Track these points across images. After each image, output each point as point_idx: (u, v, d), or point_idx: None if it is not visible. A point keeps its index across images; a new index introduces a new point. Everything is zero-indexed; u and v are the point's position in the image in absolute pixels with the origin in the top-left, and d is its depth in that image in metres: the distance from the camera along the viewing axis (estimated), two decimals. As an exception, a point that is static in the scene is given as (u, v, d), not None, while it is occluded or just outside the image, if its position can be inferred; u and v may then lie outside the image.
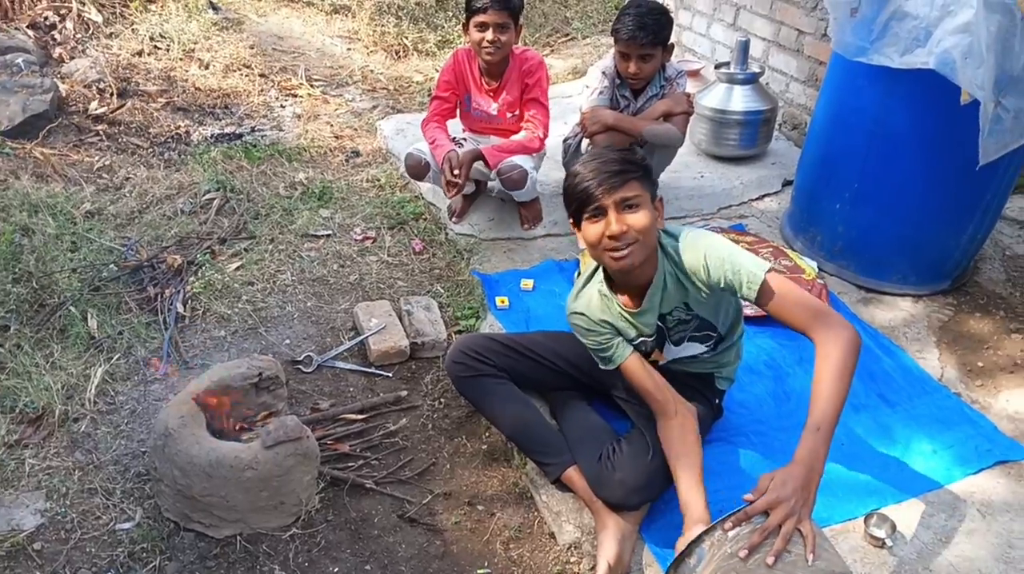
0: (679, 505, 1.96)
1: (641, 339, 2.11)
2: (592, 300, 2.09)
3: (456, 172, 2.92)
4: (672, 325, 2.10)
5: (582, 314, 2.09)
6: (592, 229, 1.90)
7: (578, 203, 1.91)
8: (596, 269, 2.10)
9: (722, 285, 1.92)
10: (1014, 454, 2.34)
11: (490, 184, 3.45)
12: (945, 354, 2.75)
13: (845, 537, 2.09)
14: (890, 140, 2.79)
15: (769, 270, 1.86)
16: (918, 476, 2.28)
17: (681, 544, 1.84)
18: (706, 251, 1.92)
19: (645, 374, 2.08)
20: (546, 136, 3.21)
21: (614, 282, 2.06)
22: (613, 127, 3.03)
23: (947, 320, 2.91)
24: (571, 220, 1.99)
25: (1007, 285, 3.08)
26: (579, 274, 3.03)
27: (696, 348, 2.16)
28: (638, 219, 1.87)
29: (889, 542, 2.04)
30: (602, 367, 2.14)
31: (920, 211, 2.85)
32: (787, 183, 3.71)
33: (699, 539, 1.72)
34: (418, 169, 3.12)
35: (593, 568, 2.01)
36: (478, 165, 3.07)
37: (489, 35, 2.98)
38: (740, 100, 3.72)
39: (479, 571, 2.08)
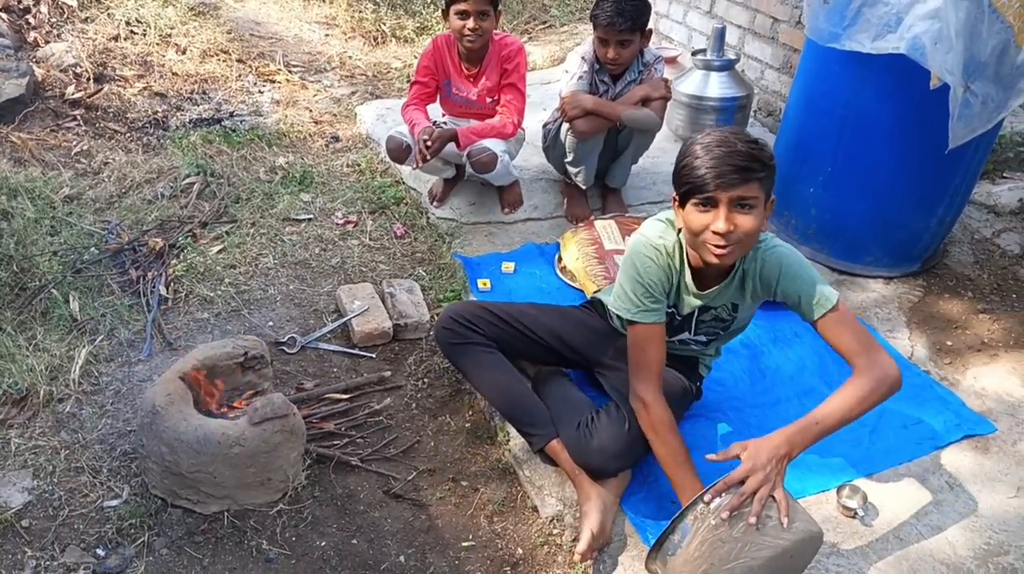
0: (676, 489, 1.98)
1: (671, 310, 2.09)
2: (672, 247, 1.99)
3: (428, 142, 2.93)
4: (708, 319, 2.12)
5: (658, 250, 1.99)
6: (698, 218, 1.82)
7: (689, 187, 1.80)
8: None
9: (784, 297, 1.95)
10: (981, 429, 2.43)
11: (468, 169, 3.48)
12: (915, 334, 2.83)
13: (818, 508, 2.16)
14: (862, 125, 2.86)
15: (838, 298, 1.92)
16: (889, 450, 2.35)
17: None
18: (785, 261, 1.94)
19: (658, 347, 2.02)
20: (520, 122, 3.24)
21: (690, 257, 2.00)
22: (592, 111, 3.07)
23: (917, 301, 2.99)
24: (675, 197, 1.90)
25: (975, 267, 3.17)
26: (561, 253, 3.08)
27: (700, 340, 2.21)
28: (748, 221, 1.79)
29: (861, 512, 2.11)
30: (618, 310, 2.05)
31: (891, 194, 2.92)
32: (762, 168, 3.76)
33: (681, 515, 1.77)
34: (399, 152, 3.14)
35: (575, 539, 2.05)
36: (452, 147, 3.10)
37: (470, 23, 3.01)
38: (716, 87, 3.78)
39: (464, 544, 2.12)
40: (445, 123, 3.34)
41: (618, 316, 2.24)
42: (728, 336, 2.25)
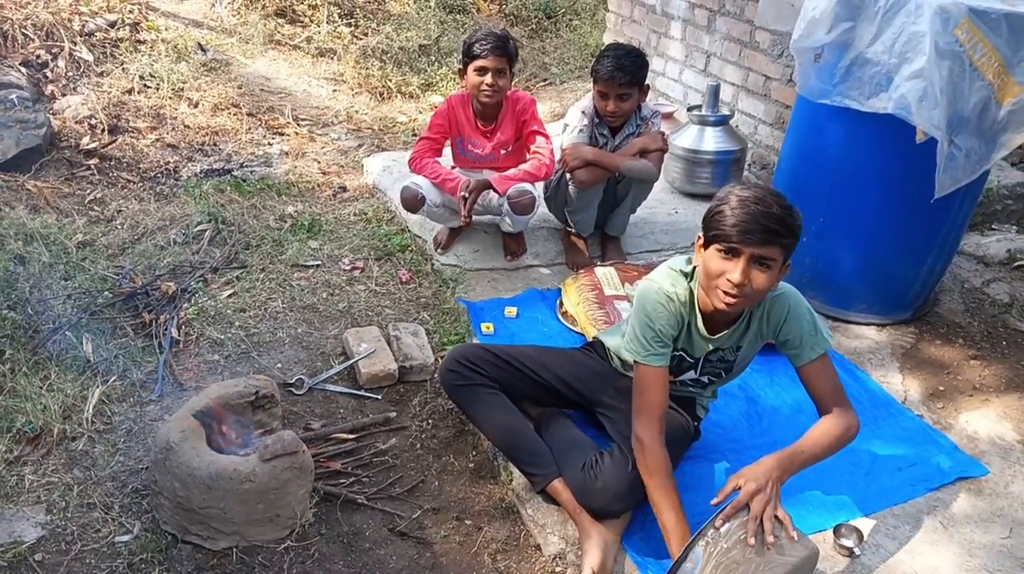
0: (664, 533, 2.02)
1: (680, 353, 2.18)
2: (683, 295, 2.08)
3: (466, 196, 3.08)
4: (714, 360, 2.21)
5: (670, 297, 2.08)
6: (717, 263, 1.91)
7: (717, 235, 1.89)
8: (694, 271, 2.08)
9: (784, 337, 2.08)
10: (973, 471, 2.48)
11: (475, 217, 3.58)
12: (908, 379, 2.90)
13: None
14: (852, 177, 2.96)
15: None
16: (884, 491, 2.40)
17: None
18: (792, 302, 2.07)
19: (662, 390, 2.09)
20: (553, 164, 3.31)
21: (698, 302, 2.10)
22: (593, 162, 3.19)
23: (909, 347, 3.07)
24: (700, 236, 1.98)
25: (966, 315, 3.25)
26: (562, 298, 3.16)
27: (702, 380, 2.28)
28: (762, 279, 1.89)
29: (857, 551, 2.15)
30: (629, 351, 2.12)
31: (881, 244, 3.02)
32: (757, 219, 3.87)
33: (692, 543, 1.84)
34: (413, 202, 3.25)
35: (578, 577, 2.10)
36: (489, 195, 3.21)
37: (488, 79, 3.14)
38: (711, 141, 3.92)
39: (468, 581, 2.16)
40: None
41: (619, 358, 2.32)
42: (729, 378, 2.32)
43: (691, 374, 2.26)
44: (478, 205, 3.27)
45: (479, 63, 3.14)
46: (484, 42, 3.13)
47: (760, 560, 1.80)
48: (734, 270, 1.88)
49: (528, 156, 3.34)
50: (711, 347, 2.14)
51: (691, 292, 2.09)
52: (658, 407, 2.08)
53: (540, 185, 3.39)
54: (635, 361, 2.11)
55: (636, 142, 3.26)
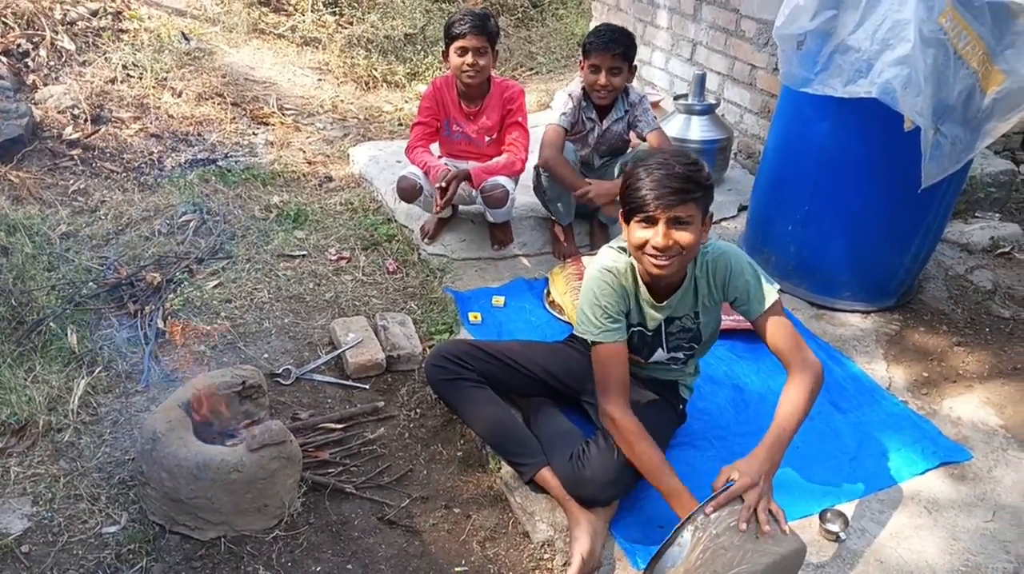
0: (665, 495, 2.05)
1: (640, 329, 2.23)
2: (624, 269, 2.15)
3: (441, 185, 3.08)
4: (675, 331, 2.24)
5: (612, 273, 2.15)
6: (639, 233, 2.00)
7: (632, 207, 1.99)
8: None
9: (734, 293, 2.12)
10: (957, 456, 2.51)
11: (462, 207, 3.58)
12: (893, 365, 2.92)
13: (801, 532, 2.19)
14: (837, 166, 2.98)
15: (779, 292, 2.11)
16: (869, 476, 2.43)
17: None
18: (733, 259, 2.12)
19: (621, 365, 2.14)
20: (526, 158, 3.35)
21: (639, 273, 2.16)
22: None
23: (894, 334, 3.09)
24: (621, 213, 2.07)
25: (949, 302, 3.28)
26: (549, 287, 3.17)
27: (676, 356, 2.31)
28: (684, 237, 1.96)
29: (843, 536, 2.18)
30: (583, 334, 2.16)
31: (866, 232, 3.04)
32: (743, 208, 3.90)
33: (680, 527, 1.86)
34: (411, 192, 3.25)
35: (566, 564, 2.11)
36: (463, 186, 3.21)
37: (469, 59, 3.16)
38: (698, 130, 3.92)
39: (456, 569, 2.16)
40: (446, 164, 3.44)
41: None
42: (702, 349, 2.35)
43: (660, 353, 2.29)
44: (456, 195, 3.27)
45: (459, 43, 3.16)
46: (463, 22, 3.15)
47: (751, 546, 1.82)
48: (656, 235, 1.95)
49: (503, 148, 3.36)
50: (664, 316, 2.18)
51: (632, 266, 2.15)
52: (620, 381, 2.13)
53: (529, 175, 3.39)
54: (592, 342, 2.15)
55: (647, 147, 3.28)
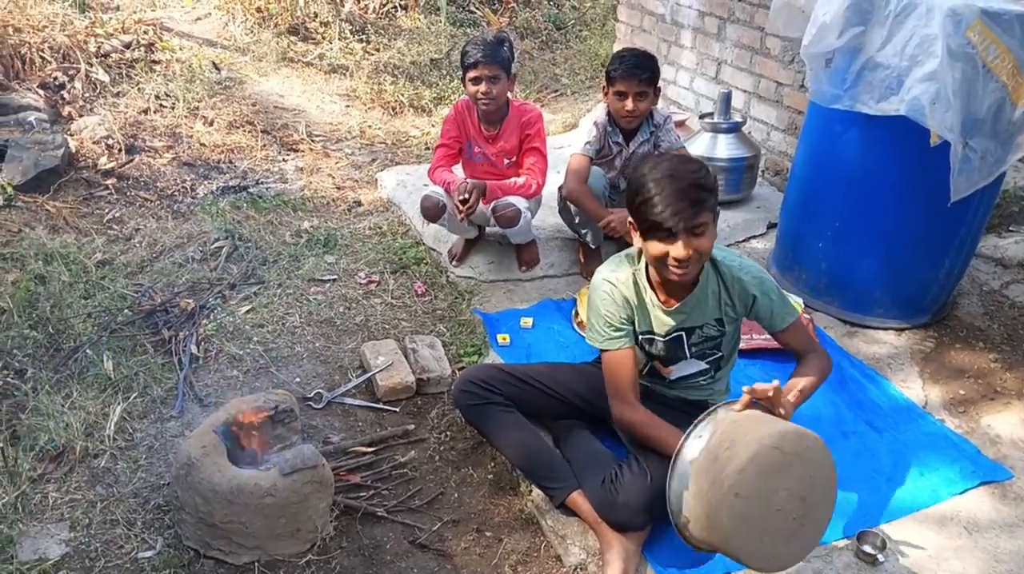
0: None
1: (650, 337, 2.24)
2: (625, 279, 2.20)
3: (464, 197, 3.10)
4: (698, 341, 2.25)
5: (612, 283, 2.20)
6: (658, 247, 2.01)
7: (649, 224, 1.99)
8: (641, 253, 2.18)
9: (759, 312, 2.17)
10: (997, 475, 2.46)
11: (488, 230, 3.60)
12: (928, 383, 2.88)
13: (839, 554, 2.19)
14: (867, 182, 2.96)
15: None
16: (907, 497, 2.39)
17: None
18: (765, 277, 2.19)
19: (628, 369, 2.21)
20: (543, 183, 3.38)
21: (653, 279, 2.20)
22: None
23: (929, 351, 3.05)
24: (631, 223, 2.09)
25: (985, 318, 3.23)
26: (577, 307, 3.17)
27: (701, 365, 2.30)
28: (703, 244, 2.00)
29: (881, 558, 2.14)
30: (591, 342, 2.26)
31: (898, 248, 3.01)
32: (772, 225, 3.87)
33: (702, 419, 1.94)
34: (435, 211, 3.28)
35: (599, 587, 2.10)
36: (480, 205, 3.23)
37: (482, 87, 3.19)
38: (724, 148, 3.91)
39: (489, 593, 2.16)
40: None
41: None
42: (727, 362, 2.35)
43: (684, 363, 2.29)
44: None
45: (472, 73, 3.21)
46: (475, 51, 3.19)
47: (764, 419, 1.88)
48: (678, 248, 1.98)
49: (521, 172, 3.39)
50: (677, 322, 2.20)
51: (634, 275, 2.20)
52: (628, 385, 2.21)
53: (549, 198, 3.40)
54: (601, 349, 2.24)
55: None
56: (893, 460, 2.52)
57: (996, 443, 2.60)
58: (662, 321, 2.22)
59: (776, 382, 1.95)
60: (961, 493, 2.40)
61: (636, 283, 2.21)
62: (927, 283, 3.08)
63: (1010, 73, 2.55)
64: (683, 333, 2.22)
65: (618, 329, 2.20)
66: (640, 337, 2.25)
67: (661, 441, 2.12)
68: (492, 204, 3.27)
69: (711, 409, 1.97)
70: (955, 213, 2.83)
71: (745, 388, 1.95)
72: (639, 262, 2.21)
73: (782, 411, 1.96)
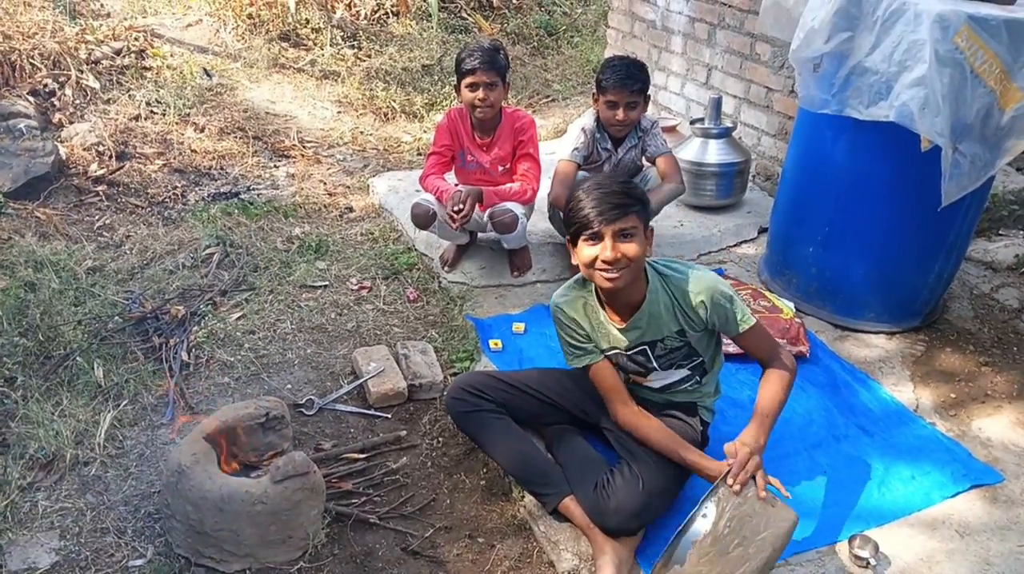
0: (692, 465, 2.18)
1: (615, 352, 2.27)
2: (575, 303, 2.26)
3: (459, 207, 3.10)
4: (662, 353, 2.24)
5: (561, 307, 2.27)
6: (588, 251, 2.07)
7: (577, 227, 2.07)
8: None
9: (715, 320, 2.17)
10: (988, 478, 2.47)
11: (481, 235, 3.60)
12: (920, 387, 2.89)
13: (831, 558, 2.19)
14: (856, 186, 2.97)
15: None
16: (899, 500, 2.39)
17: None
18: (712, 286, 2.16)
19: (611, 375, 2.28)
20: (537, 189, 3.38)
21: (603, 298, 2.23)
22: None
23: (920, 355, 3.06)
24: (568, 238, 2.16)
25: (975, 322, 3.24)
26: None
27: (682, 373, 2.30)
28: (631, 248, 2.05)
29: (873, 562, 2.14)
30: (570, 363, 2.31)
31: (888, 252, 3.02)
32: (762, 230, 3.88)
33: (705, 499, 2.03)
34: (425, 218, 3.28)
35: (592, 593, 2.09)
36: (476, 212, 3.23)
37: (480, 94, 3.19)
38: (715, 153, 3.92)
39: (482, 599, 2.15)
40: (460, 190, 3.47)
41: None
42: (711, 369, 2.36)
43: (658, 374, 2.31)
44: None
45: (470, 79, 3.20)
46: (472, 58, 3.18)
47: (772, 512, 1.97)
48: (604, 250, 2.04)
49: (515, 178, 3.39)
50: (633, 339, 2.23)
51: (584, 298, 2.26)
52: (615, 389, 2.28)
53: (540, 203, 3.41)
54: (579, 368, 2.31)
55: (664, 189, 3.30)
56: (885, 464, 2.53)
57: (987, 446, 2.61)
58: (618, 338, 2.24)
59: (737, 447, 2.07)
60: (952, 496, 2.41)
61: (587, 305, 2.25)
62: (917, 287, 3.09)
63: (997, 78, 2.56)
64: (646, 347, 2.24)
65: (581, 347, 2.26)
66: (605, 354, 2.28)
67: (658, 442, 2.22)
68: (489, 210, 3.27)
69: (713, 487, 2.04)
70: (945, 217, 2.84)
71: (725, 462, 2.07)
72: (590, 285, 2.25)
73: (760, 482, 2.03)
